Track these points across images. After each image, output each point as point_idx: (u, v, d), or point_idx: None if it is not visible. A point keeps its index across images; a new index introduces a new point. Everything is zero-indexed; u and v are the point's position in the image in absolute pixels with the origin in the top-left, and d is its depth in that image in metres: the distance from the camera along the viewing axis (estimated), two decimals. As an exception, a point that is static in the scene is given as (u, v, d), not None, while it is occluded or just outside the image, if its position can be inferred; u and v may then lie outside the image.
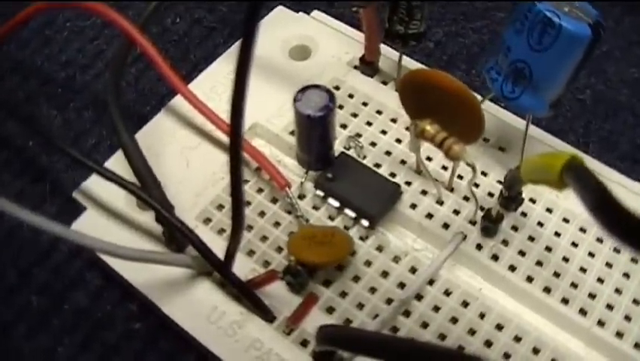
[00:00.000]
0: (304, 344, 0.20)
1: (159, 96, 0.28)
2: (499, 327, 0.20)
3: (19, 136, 0.27)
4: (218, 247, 0.20)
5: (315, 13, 0.28)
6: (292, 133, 0.23)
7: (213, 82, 0.25)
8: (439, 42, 0.30)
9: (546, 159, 0.16)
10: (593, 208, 0.13)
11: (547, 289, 0.21)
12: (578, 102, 0.28)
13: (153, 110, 0.27)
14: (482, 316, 0.20)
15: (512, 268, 0.21)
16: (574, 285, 0.21)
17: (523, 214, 0.22)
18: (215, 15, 0.30)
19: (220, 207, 0.22)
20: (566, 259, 0.21)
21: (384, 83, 0.26)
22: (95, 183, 0.23)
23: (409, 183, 0.23)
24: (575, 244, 0.21)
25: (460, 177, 0.22)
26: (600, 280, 0.21)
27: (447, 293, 0.21)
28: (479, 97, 0.23)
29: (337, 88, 0.25)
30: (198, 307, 0.20)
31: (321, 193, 0.22)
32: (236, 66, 0.14)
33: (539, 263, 0.21)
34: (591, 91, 0.28)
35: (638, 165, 0.26)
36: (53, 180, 0.25)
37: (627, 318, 0.20)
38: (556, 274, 0.21)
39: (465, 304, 0.21)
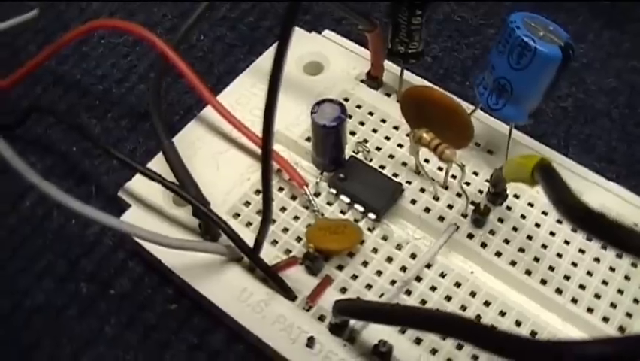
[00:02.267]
0: (321, 318, 0.23)
1: (186, 106, 0.30)
2: (487, 304, 0.23)
3: (62, 142, 0.29)
4: (246, 237, 0.23)
5: (326, 32, 0.30)
6: (308, 139, 0.26)
7: (238, 94, 0.28)
8: (436, 57, 0.32)
9: (521, 161, 0.20)
10: (555, 201, 0.16)
11: (528, 272, 0.23)
12: (560, 109, 0.31)
13: (182, 119, 0.30)
14: (473, 294, 0.23)
15: (498, 254, 0.24)
16: (551, 268, 0.24)
17: (508, 208, 0.25)
18: (235, 33, 0.33)
19: (247, 203, 0.25)
20: (544, 246, 0.24)
21: (388, 95, 0.28)
22: (137, 183, 0.26)
23: (409, 182, 0.26)
24: (552, 233, 0.24)
25: (454, 176, 0.25)
26: (574, 264, 0.24)
27: (442, 275, 0.24)
28: (472, 106, 0.26)
29: (346, 100, 0.28)
30: (230, 289, 0.23)
31: (334, 191, 0.25)
32: (267, 98, 0.18)
33: (521, 250, 0.24)
34: (572, 99, 0.31)
35: (613, 165, 0.29)
36: (97, 182, 0.28)
37: (597, 296, 0.23)
38: (536, 259, 0.24)
39: (458, 284, 0.23)
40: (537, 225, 0.24)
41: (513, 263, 0.24)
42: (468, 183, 0.25)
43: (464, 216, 0.25)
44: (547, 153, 0.27)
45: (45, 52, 0.28)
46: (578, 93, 0.31)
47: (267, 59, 0.29)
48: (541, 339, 0.18)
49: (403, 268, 0.24)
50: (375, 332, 0.22)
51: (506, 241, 0.24)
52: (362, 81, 0.29)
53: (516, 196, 0.25)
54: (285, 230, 0.25)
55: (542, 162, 0.18)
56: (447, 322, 0.16)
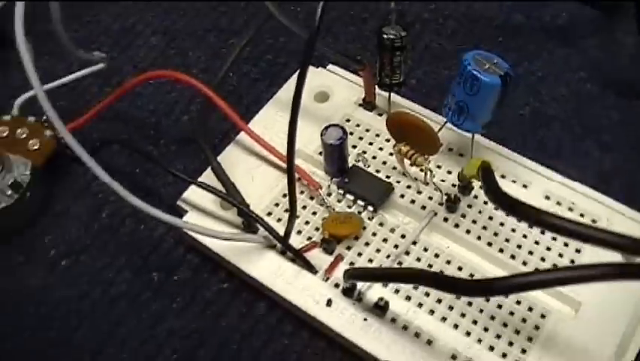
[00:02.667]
0: (337, 285, 0.29)
1: (223, 131, 0.36)
2: (460, 269, 0.30)
3: (127, 166, 0.36)
4: (278, 229, 0.30)
5: (330, 66, 0.37)
6: (320, 154, 0.33)
7: (265, 121, 0.35)
8: (420, 79, 0.39)
9: (473, 162, 0.27)
10: (485, 190, 0.24)
11: (489, 244, 0.30)
12: (519, 116, 0.37)
13: (221, 142, 0.36)
14: (448, 262, 0.30)
15: (468, 232, 0.31)
16: (507, 240, 0.30)
17: (475, 197, 0.32)
18: (258, 69, 0.40)
19: (277, 204, 0.32)
20: (502, 224, 0.31)
21: (380, 114, 0.35)
22: (191, 194, 0.32)
23: (398, 182, 0.32)
24: (507, 214, 0.30)
25: (433, 175, 0.32)
26: (524, 236, 0.30)
27: (425, 250, 0.30)
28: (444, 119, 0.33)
29: (348, 120, 0.34)
30: (268, 267, 0.30)
31: (341, 192, 0.32)
32: (290, 119, 0.26)
33: (485, 227, 0.31)
34: (529, 107, 0.37)
35: (560, 159, 0.35)
36: (158, 195, 0.35)
37: (542, 259, 0.30)
38: (495, 234, 0.30)
39: (436, 255, 0.30)
40: (496, 208, 0.31)
41: (479, 238, 0.30)
42: (444, 180, 0.32)
43: (441, 204, 0.31)
44: (507, 153, 0.33)
45: (110, 97, 0.35)
46: (534, 102, 0.37)
47: (285, 91, 0.36)
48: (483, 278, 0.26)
49: (396, 246, 0.31)
50: (375, 293, 0.29)
51: (474, 222, 0.31)
52: (360, 105, 0.35)
53: (481, 187, 0.32)
54: (307, 222, 0.32)
55: (484, 164, 0.26)
56: (419, 274, 0.24)
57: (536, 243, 0.31)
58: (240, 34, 0.41)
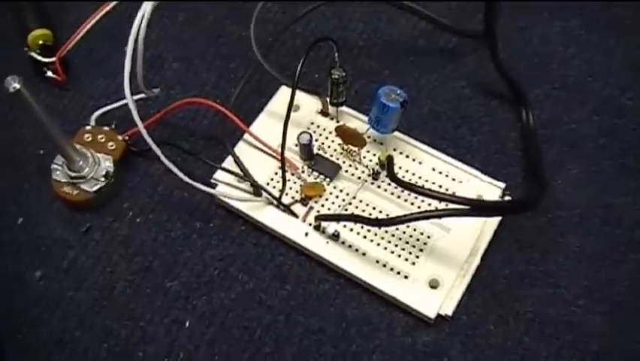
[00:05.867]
0: (310, 224, 0.52)
1: (231, 132, 0.56)
2: (380, 211, 0.53)
3: (176, 156, 0.61)
4: (274, 193, 0.54)
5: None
6: (296, 146, 0.55)
7: (261, 126, 0.57)
8: (358, 90, 0.57)
9: (383, 153, 0.52)
10: (386, 173, 0.49)
11: (392, 194, 0.54)
12: (420, 113, 0.59)
13: (232, 139, 0.59)
14: (374, 208, 0.53)
15: (385, 190, 0.54)
16: (409, 194, 0.56)
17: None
18: (250, 86, 0.61)
19: (272, 179, 0.54)
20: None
21: (332, 119, 0.57)
22: (219, 174, 0.55)
23: (344, 162, 0.55)
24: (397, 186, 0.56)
25: (364, 157, 0.57)
26: (409, 194, 0.56)
27: (360, 201, 0.54)
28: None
29: (312, 123, 0.57)
30: (269, 216, 0.53)
31: (310, 170, 0.55)
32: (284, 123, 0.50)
33: (395, 187, 0.55)
34: (427, 107, 0.58)
35: (446, 141, 0.58)
36: (193, 174, 0.58)
37: (419, 206, 0.56)
38: (397, 189, 0.55)
39: (367, 204, 0.54)
40: (403, 176, 0.55)
41: (391, 193, 0.55)
42: (371, 160, 0.57)
43: (369, 175, 0.55)
44: (409, 140, 0.56)
45: (162, 112, 0.58)
46: (431, 103, 0.58)
47: (272, 104, 0.58)
48: (388, 216, 0.51)
49: (343, 200, 0.53)
50: (332, 227, 0.53)
51: (389, 184, 0.55)
52: (319, 113, 0.55)
53: (399, 167, 0.57)
54: (290, 188, 0.53)
55: (388, 155, 0.51)
56: (354, 216, 0.49)
57: (415, 197, 0.55)
58: (237, 59, 0.63)
